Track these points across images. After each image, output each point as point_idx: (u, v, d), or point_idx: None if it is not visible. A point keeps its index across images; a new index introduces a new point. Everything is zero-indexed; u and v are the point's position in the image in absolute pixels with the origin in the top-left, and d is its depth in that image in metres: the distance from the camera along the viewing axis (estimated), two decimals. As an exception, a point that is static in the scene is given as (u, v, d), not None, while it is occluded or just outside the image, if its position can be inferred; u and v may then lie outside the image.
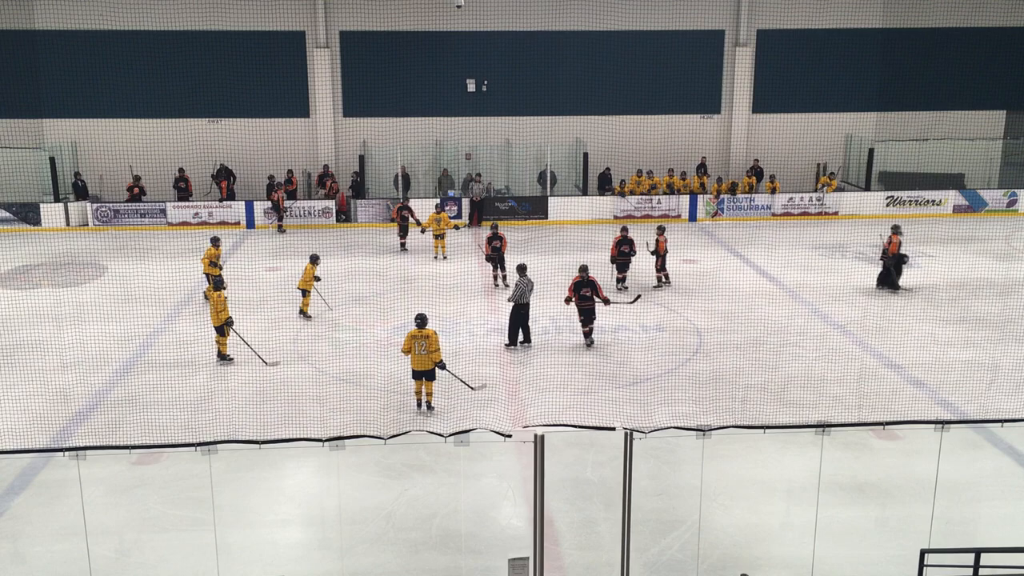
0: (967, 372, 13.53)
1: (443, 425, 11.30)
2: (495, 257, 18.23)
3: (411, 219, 21.50)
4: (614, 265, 17.82)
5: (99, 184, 25.56)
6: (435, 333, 11.87)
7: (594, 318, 14.58)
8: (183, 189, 24.94)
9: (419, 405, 12.12)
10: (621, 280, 17.81)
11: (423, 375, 11.93)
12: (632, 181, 25.65)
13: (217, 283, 13.99)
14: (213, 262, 16.42)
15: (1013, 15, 26.98)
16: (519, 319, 14.47)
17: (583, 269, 14.59)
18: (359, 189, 25.22)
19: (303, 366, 13.91)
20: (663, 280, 18.21)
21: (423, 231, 20.78)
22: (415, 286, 16.72)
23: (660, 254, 18.05)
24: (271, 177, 25.00)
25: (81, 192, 24.68)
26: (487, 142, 26.24)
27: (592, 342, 14.61)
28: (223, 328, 13.73)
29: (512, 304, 14.49)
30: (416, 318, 11.92)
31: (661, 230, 18.30)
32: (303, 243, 22.57)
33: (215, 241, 16.94)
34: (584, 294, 14.42)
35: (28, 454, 10.32)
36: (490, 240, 18.24)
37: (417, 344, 11.75)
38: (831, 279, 18.75)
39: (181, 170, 24.99)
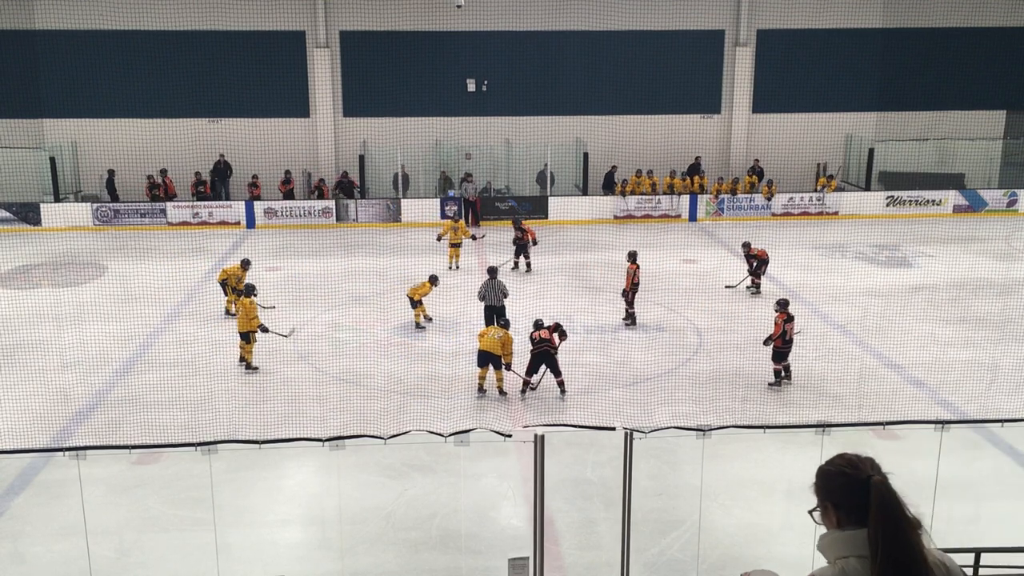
0: (967, 372, 13.53)
1: (443, 425, 11.30)
2: (630, 291, 15.75)
3: (531, 240, 19.31)
4: None
5: (99, 184, 25.57)
6: (511, 338, 12.66)
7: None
8: (160, 188, 24.82)
9: (480, 389, 12.60)
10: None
11: (489, 361, 12.39)
12: (632, 181, 25.64)
13: (249, 289, 13.93)
14: (234, 287, 15.78)
15: (1013, 15, 26.97)
16: (491, 321, 14.51)
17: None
18: (348, 190, 25.07)
19: (303, 366, 13.91)
20: (754, 287, 17.73)
21: (439, 239, 19.91)
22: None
23: (762, 260, 17.59)
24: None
25: (110, 189, 24.77)
26: (487, 142, 26.23)
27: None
28: (250, 335, 13.58)
29: (484, 306, 14.73)
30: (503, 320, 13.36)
31: (747, 246, 17.78)
32: (303, 243, 22.59)
33: (245, 264, 16.19)
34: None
35: (28, 454, 10.32)
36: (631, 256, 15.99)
37: (494, 330, 12.65)
38: (831, 279, 18.75)
39: (163, 171, 24.85)
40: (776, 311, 12.94)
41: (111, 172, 24.89)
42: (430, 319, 15.88)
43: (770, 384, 12.93)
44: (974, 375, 13.43)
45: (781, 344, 12.79)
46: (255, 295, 13.89)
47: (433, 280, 15.72)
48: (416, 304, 15.64)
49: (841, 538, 2.45)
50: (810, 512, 2.55)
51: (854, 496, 2.40)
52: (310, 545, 9.18)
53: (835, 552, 2.44)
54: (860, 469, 2.43)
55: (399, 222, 24.54)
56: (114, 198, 24.87)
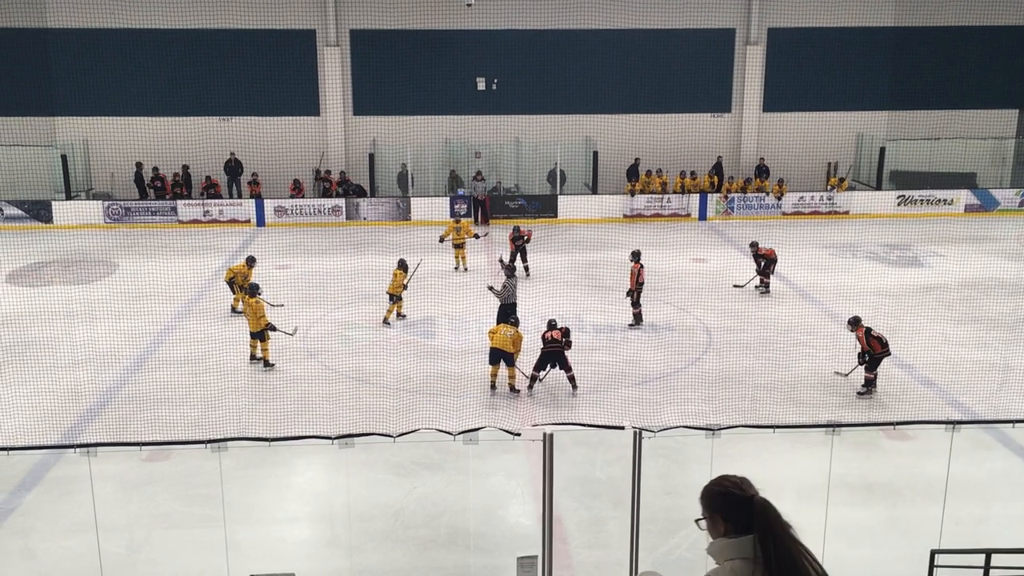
0: (978, 372, 13.46)
1: (452, 423, 11.32)
2: (635, 290, 15.70)
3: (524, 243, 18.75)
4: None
5: (110, 182, 25.68)
6: (521, 336, 12.79)
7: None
8: (159, 188, 24.91)
9: (492, 387, 12.73)
10: None
11: (501, 358, 12.53)
12: (642, 180, 25.60)
13: (253, 289, 13.98)
14: (241, 285, 15.69)
15: (1026, 13, 26.83)
16: (505, 319, 14.45)
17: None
18: (352, 190, 25.09)
19: (313, 364, 13.94)
20: (763, 286, 17.64)
21: (441, 241, 19.47)
22: (424, 284, 16.71)
23: (770, 259, 17.48)
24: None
25: (139, 182, 24.88)
26: (497, 140, 26.23)
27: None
28: (263, 333, 13.65)
29: (499, 304, 14.65)
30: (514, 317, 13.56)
31: (755, 245, 17.68)
32: (313, 241, 22.64)
33: (251, 261, 16.12)
34: None
35: (39, 450, 10.37)
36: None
37: (505, 328, 12.72)
38: (842, 278, 18.68)
39: (155, 169, 24.98)
40: (851, 330, 12.74)
41: (139, 165, 24.91)
42: (403, 316, 15.93)
43: (859, 393, 12.60)
44: (985, 375, 13.36)
45: (880, 349, 12.50)
46: (260, 294, 13.94)
47: (400, 264, 15.80)
48: (394, 300, 15.75)
49: (729, 544, 2.95)
50: (696, 521, 3.07)
51: (739, 511, 2.94)
52: (319, 542, 9.21)
53: (724, 555, 2.95)
54: (743, 489, 2.98)
55: (409, 220, 24.57)
56: (142, 192, 24.97)
